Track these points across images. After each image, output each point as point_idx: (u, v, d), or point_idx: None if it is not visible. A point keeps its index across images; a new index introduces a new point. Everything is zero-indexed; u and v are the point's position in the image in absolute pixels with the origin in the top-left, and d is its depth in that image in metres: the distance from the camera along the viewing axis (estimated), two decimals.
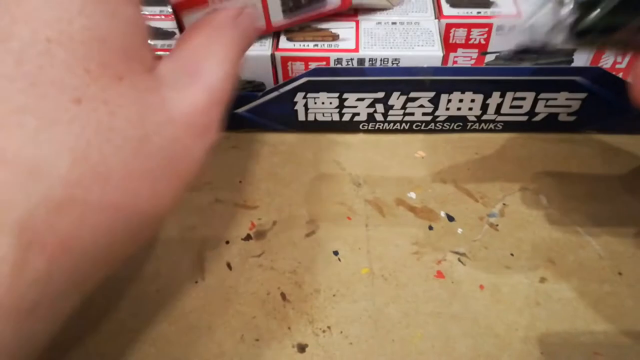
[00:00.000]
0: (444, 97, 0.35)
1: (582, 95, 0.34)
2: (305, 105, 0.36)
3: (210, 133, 0.17)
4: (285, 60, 0.37)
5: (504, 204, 0.33)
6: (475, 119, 0.36)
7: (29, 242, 0.12)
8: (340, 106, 0.36)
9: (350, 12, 0.39)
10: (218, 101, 0.18)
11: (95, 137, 0.13)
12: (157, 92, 0.15)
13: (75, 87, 0.13)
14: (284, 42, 0.37)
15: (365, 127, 0.38)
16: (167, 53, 0.19)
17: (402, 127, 0.37)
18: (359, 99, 0.35)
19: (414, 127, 0.37)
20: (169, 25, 0.40)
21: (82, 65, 0.13)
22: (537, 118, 0.36)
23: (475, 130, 0.37)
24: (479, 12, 0.37)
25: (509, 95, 0.35)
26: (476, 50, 0.38)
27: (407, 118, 0.37)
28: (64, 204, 0.12)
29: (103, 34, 0.14)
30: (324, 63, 0.36)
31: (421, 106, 0.36)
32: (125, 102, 0.14)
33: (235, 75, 0.19)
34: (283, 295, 0.29)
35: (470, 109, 0.36)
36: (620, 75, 0.35)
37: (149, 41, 0.16)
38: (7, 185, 0.12)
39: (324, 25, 0.38)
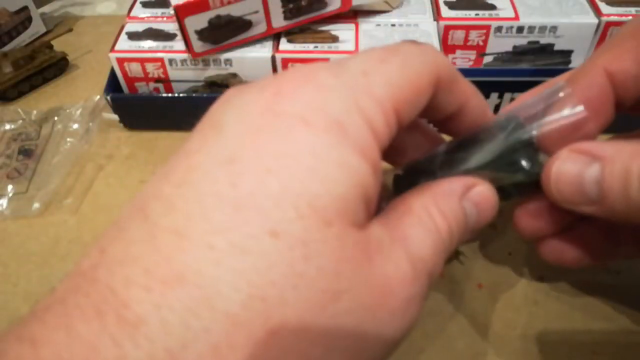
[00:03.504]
0: None
1: None
2: None
3: (410, 311, 0.14)
4: (285, 61, 0.37)
5: None
6: None
7: None
8: None
9: (350, 14, 0.39)
10: (422, 274, 0.15)
11: (280, 279, 0.12)
12: (363, 250, 0.13)
13: (277, 221, 0.12)
14: (284, 44, 0.38)
15: None
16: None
17: None
18: None
19: None
20: (170, 27, 0.40)
21: (292, 201, 0.12)
22: None
23: None
24: (477, 14, 0.37)
25: (507, 96, 0.35)
26: (474, 52, 0.38)
27: None
28: (220, 346, 0.11)
29: (324, 176, 0.13)
30: None
31: None
32: (324, 250, 0.12)
33: (449, 250, 0.16)
34: None
35: None
36: None
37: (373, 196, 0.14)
38: (174, 310, 0.11)
39: (324, 27, 0.39)
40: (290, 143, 0.13)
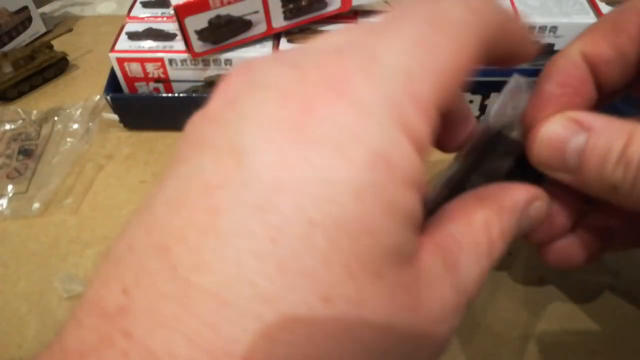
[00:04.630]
0: None
1: None
2: None
3: (445, 343, 0.14)
4: None
5: None
6: None
7: None
8: None
9: (350, 14, 0.39)
10: (463, 304, 0.14)
11: (337, 346, 0.11)
12: (413, 293, 0.13)
13: (328, 284, 0.11)
14: (284, 44, 0.38)
15: None
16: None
17: None
18: None
19: None
20: (170, 27, 0.40)
21: (341, 260, 0.11)
22: None
23: None
24: None
25: None
26: None
27: None
28: None
29: (373, 227, 0.11)
30: None
31: None
32: (377, 306, 0.12)
33: (486, 274, 0.15)
34: None
35: None
36: None
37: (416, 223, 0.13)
38: None
39: (324, 27, 0.39)
40: (329, 186, 0.11)
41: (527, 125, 0.19)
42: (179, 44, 0.38)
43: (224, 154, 0.12)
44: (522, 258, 0.30)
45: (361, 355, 0.11)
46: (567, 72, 0.20)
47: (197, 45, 0.36)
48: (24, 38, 0.51)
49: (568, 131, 0.17)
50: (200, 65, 0.38)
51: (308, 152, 0.11)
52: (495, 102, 0.20)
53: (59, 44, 0.48)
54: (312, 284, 0.11)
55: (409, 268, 0.13)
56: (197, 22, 0.35)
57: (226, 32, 0.36)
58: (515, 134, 0.19)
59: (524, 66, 0.38)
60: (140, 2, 0.43)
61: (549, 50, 0.38)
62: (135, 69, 0.39)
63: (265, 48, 0.38)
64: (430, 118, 0.12)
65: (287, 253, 0.11)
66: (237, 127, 0.12)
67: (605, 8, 0.37)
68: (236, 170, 0.11)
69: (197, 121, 0.13)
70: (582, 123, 0.17)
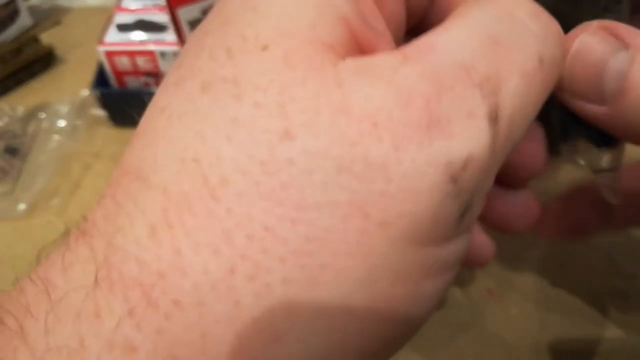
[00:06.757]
0: None
1: None
2: None
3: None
4: None
5: None
6: None
7: None
8: None
9: None
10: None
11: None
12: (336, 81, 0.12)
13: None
14: None
15: None
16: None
17: None
18: None
19: None
20: (162, 18, 0.39)
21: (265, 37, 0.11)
22: None
23: None
24: None
25: None
26: None
27: None
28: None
29: (302, 18, 0.11)
30: None
31: None
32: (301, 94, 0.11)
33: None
34: None
35: None
36: None
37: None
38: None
39: None
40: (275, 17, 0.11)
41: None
42: (170, 36, 0.37)
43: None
44: (534, 263, 0.29)
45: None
46: None
47: None
48: (11, 32, 0.49)
49: (607, 47, 0.14)
50: None
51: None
52: None
53: (46, 37, 0.47)
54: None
55: (337, 62, 0.11)
56: (190, 12, 0.34)
57: None
58: None
59: None
60: None
61: None
62: (124, 62, 0.37)
63: None
64: None
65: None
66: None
67: None
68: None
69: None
70: (623, 37, 0.14)
